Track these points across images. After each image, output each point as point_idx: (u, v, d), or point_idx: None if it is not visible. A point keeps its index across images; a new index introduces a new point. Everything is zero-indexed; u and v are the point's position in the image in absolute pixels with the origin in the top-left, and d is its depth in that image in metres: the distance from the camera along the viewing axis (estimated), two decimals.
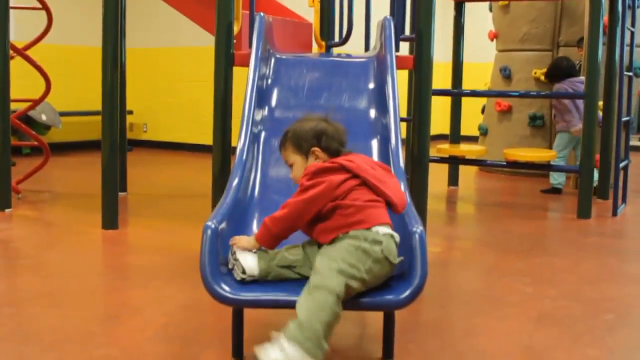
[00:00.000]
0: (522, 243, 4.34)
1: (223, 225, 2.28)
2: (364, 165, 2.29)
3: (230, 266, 2.25)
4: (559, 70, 6.17)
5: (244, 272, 2.20)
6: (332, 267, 2.05)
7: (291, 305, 2.14)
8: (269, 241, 2.26)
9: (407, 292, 2.10)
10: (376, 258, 2.11)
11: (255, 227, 2.64)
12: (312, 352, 1.97)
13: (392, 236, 2.19)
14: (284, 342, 1.99)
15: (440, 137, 8.17)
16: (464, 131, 6.72)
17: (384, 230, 2.19)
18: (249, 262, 2.21)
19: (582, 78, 5.94)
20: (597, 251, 4.14)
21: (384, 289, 2.15)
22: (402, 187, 2.59)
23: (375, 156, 2.97)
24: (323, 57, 3.88)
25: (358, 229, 2.16)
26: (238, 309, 2.40)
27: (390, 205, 2.28)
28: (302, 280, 2.21)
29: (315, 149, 2.37)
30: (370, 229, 2.17)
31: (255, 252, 2.26)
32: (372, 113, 3.19)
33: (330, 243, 2.18)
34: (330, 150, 2.37)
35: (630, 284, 3.49)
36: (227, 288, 2.12)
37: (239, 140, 2.89)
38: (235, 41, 3.96)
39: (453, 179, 6.53)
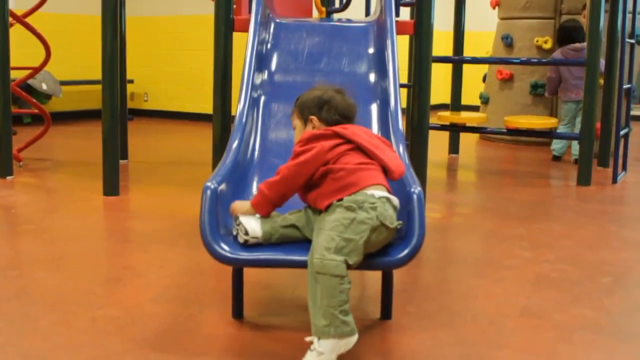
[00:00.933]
0: (522, 209, 4.36)
1: (223, 186, 2.30)
2: (359, 132, 2.30)
3: (234, 232, 2.24)
4: (560, 35, 6.15)
5: (246, 233, 2.19)
6: (330, 246, 2.03)
7: (289, 264, 2.17)
8: (265, 206, 2.25)
9: (405, 252, 2.11)
10: (373, 226, 2.08)
11: (254, 189, 2.66)
12: (339, 333, 2.00)
13: (388, 199, 2.17)
14: (315, 342, 2.02)
15: (442, 107, 8.18)
16: (465, 100, 6.70)
17: (379, 193, 2.16)
18: (252, 224, 2.21)
19: (577, 45, 5.93)
20: (597, 217, 4.17)
21: (382, 249, 2.17)
22: (401, 151, 2.61)
23: (374, 120, 2.98)
24: (323, 22, 3.87)
25: (351, 194, 2.15)
26: (238, 270, 2.43)
27: (386, 170, 2.27)
28: (303, 242, 2.23)
29: (313, 117, 2.38)
30: (363, 191, 2.15)
31: (258, 217, 2.26)
32: (372, 77, 3.19)
33: (327, 210, 2.18)
34: (329, 121, 2.37)
35: (629, 248, 3.51)
36: (226, 247, 2.14)
37: (239, 104, 2.89)
38: (235, 6, 3.95)
39: (454, 147, 6.53)
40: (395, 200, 2.21)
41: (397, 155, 2.39)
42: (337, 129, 2.29)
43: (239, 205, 2.30)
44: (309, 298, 2.05)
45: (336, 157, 2.23)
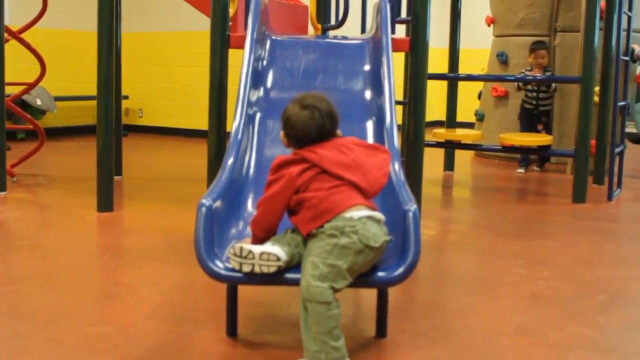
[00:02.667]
0: (517, 226, 4.35)
1: (218, 203, 2.29)
2: (328, 154, 2.23)
3: (247, 269, 2.10)
4: None
5: (278, 259, 2.09)
6: (315, 273, 2.01)
7: (283, 282, 2.15)
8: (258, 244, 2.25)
9: (401, 270, 2.10)
10: (357, 250, 2.06)
11: (250, 206, 2.65)
12: (329, 359, 2.00)
13: (370, 217, 2.14)
14: None
15: (437, 124, 8.18)
16: (460, 118, 6.71)
17: (358, 213, 2.13)
18: (276, 250, 2.11)
19: None
20: (592, 234, 4.16)
21: (378, 267, 2.15)
22: (397, 168, 2.59)
23: (370, 136, 2.97)
24: (319, 39, 3.88)
25: (330, 220, 2.11)
26: (232, 287, 2.41)
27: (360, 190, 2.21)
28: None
29: (282, 132, 2.37)
30: (342, 215, 2.11)
31: (268, 242, 2.19)
32: (368, 94, 3.19)
33: (308, 237, 2.16)
34: (291, 140, 2.34)
35: (624, 266, 3.50)
36: (220, 265, 2.12)
37: (234, 121, 2.88)
38: (231, 23, 3.95)
39: (449, 164, 6.53)
40: (378, 215, 2.17)
41: (378, 163, 2.27)
42: (305, 152, 2.25)
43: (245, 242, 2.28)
44: (301, 322, 2.06)
45: (306, 183, 2.20)
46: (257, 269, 2.09)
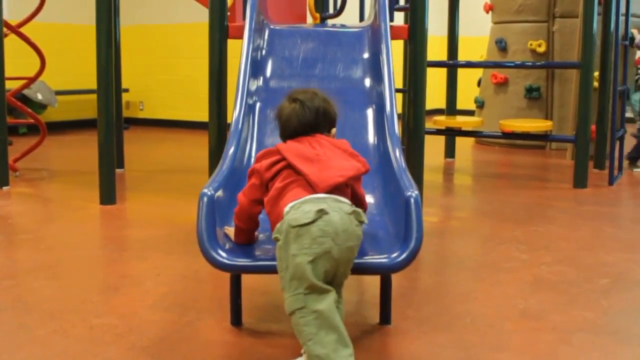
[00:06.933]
0: (519, 212, 4.36)
1: (219, 193, 2.30)
2: (297, 145, 2.16)
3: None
4: None
5: None
6: (281, 286, 1.96)
7: None
8: (241, 237, 2.25)
9: (404, 256, 2.09)
10: (294, 236, 1.92)
11: None
12: None
13: (304, 201, 2.00)
14: None
15: (437, 112, 8.18)
16: (460, 105, 6.71)
17: (290, 204, 2.01)
18: None
19: None
20: (593, 219, 4.17)
21: (381, 253, 2.16)
22: (398, 155, 2.59)
23: (370, 124, 2.98)
24: (317, 28, 3.88)
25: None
26: (236, 276, 2.42)
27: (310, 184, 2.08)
28: None
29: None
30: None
31: None
32: (367, 82, 3.19)
33: None
34: (279, 133, 2.30)
35: (625, 250, 3.51)
36: (223, 254, 2.13)
37: (234, 111, 2.89)
38: (229, 14, 3.95)
39: (449, 152, 6.54)
40: (314, 197, 2.02)
41: (346, 166, 2.14)
42: (280, 144, 2.20)
43: (229, 230, 2.31)
44: None
45: (274, 174, 2.13)
46: None
